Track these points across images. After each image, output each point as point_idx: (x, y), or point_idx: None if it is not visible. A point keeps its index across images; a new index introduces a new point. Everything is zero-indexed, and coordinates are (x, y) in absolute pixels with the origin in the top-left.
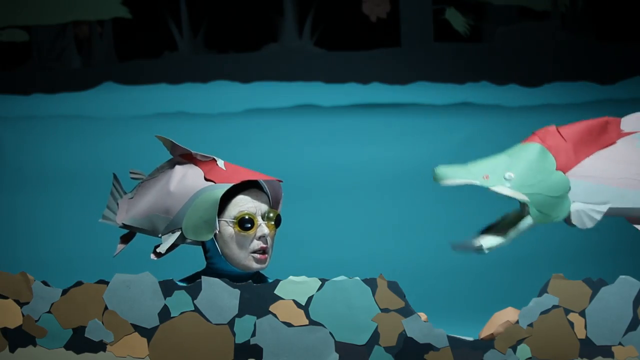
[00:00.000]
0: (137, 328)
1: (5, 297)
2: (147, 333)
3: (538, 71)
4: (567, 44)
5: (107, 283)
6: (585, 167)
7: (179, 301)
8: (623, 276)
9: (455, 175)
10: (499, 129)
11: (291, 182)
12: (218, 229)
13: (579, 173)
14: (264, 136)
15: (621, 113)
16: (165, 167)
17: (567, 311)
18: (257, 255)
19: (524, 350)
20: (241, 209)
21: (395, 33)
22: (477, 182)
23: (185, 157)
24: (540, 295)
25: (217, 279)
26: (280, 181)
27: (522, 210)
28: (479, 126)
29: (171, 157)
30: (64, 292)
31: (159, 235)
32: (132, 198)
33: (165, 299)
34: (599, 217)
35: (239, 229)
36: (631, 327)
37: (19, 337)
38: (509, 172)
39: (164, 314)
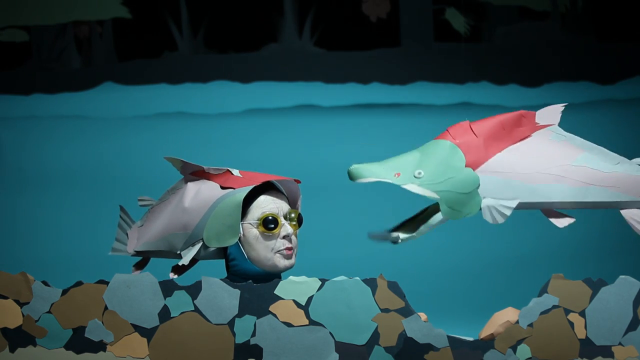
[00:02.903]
0: (137, 328)
1: (5, 297)
2: (147, 333)
3: (538, 71)
4: (567, 44)
5: (107, 283)
6: (496, 162)
7: (179, 301)
8: (623, 276)
9: (368, 174)
10: None
11: None
12: (242, 232)
13: (489, 169)
14: (264, 136)
15: (621, 113)
16: (176, 187)
17: (567, 311)
18: (284, 252)
19: (524, 350)
20: (264, 210)
21: (395, 33)
22: (389, 180)
23: (197, 174)
24: (540, 295)
25: (217, 279)
26: (298, 181)
27: (437, 205)
28: None
29: (181, 177)
30: (64, 292)
31: (178, 252)
32: (142, 226)
33: (165, 299)
34: (508, 212)
35: (263, 229)
36: (631, 327)
37: (19, 337)
38: (418, 169)
39: (164, 314)
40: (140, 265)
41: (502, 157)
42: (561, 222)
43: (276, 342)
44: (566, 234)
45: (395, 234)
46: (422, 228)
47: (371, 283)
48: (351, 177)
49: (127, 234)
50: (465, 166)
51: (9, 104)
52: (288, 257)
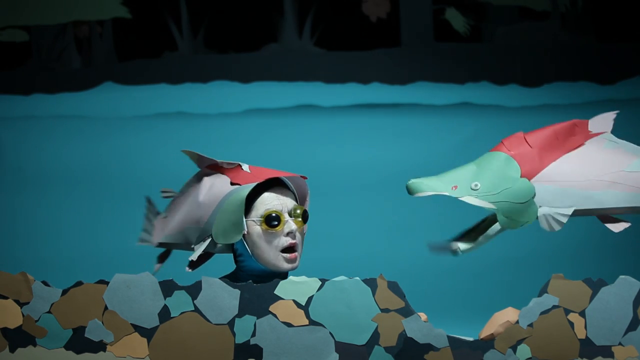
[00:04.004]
0: (137, 328)
1: (5, 297)
2: (147, 333)
3: (538, 71)
4: (567, 44)
5: (107, 283)
6: (551, 171)
7: (179, 301)
8: (623, 276)
9: (426, 187)
10: (499, 129)
11: None
12: (246, 229)
13: (544, 178)
14: (264, 136)
15: (621, 113)
16: (194, 180)
17: (567, 311)
18: (287, 255)
19: (524, 350)
20: (267, 207)
21: (395, 33)
22: (447, 193)
23: (212, 168)
24: (540, 295)
25: (216, 279)
26: (304, 178)
27: (494, 216)
28: (479, 126)
29: (198, 169)
30: (64, 292)
31: (192, 246)
32: (165, 217)
33: (165, 299)
34: (564, 220)
35: (266, 226)
36: (631, 327)
37: (19, 337)
38: (475, 181)
39: (164, 314)
40: (163, 257)
41: (557, 166)
42: (617, 227)
43: (276, 342)
44: (566, 234)
45: (455, 246)
46: (481, 239)
47: (371, 283)
48: (409, 191)
49: (153, 225)
50: (521, 176)
51: (9, 104)
52: (291, 261)
